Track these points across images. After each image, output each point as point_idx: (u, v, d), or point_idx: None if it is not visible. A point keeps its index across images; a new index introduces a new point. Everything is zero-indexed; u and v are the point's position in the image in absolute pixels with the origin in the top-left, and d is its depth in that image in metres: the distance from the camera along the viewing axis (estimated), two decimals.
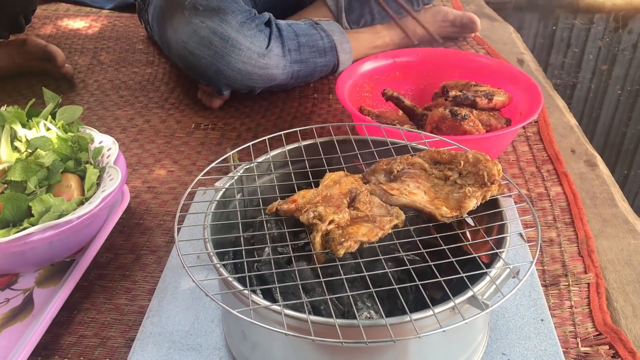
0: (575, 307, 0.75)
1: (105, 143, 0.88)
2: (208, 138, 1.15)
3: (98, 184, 0.82)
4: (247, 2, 1.27)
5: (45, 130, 0.87)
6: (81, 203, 0.78)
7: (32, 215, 0.74)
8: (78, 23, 1.64)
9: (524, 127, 1.14)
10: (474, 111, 0.99)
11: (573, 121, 1.20)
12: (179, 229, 0.61)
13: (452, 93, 0.99)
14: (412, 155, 0.72)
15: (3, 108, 0.89)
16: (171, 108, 1.26)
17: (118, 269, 0.83)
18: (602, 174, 1.03)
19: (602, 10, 3.28)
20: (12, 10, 1.22)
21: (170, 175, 1.04)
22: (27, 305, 0.75)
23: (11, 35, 1.34)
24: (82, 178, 0.83)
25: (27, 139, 0.85)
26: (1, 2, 1.17)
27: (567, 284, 0.79)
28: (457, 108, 0.95)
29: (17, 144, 0.86)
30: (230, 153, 0.78)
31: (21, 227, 0.72)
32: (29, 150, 0.83)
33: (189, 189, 0.67)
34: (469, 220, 0.69)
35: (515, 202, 0.90)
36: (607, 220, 0.92)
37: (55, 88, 1.32)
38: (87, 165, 0.83)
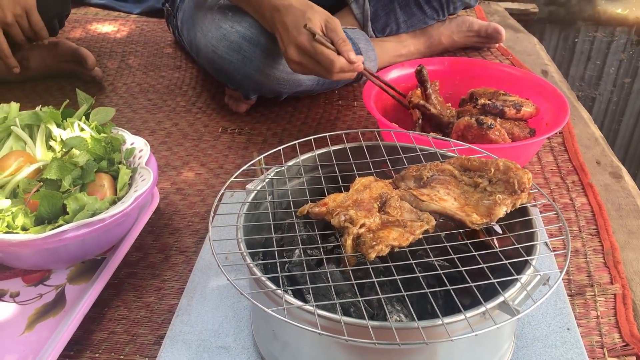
0: (602, 318, 0.75)
1: (137, 144, 0.90)
2: (235, 142, 1.17)
3: (130, 184, 0.84)
4: None
5: (80, 131, 0.89)
6: (114, 202, 0.80)
7: (67, 213, 0.75)
8: (107, 27, 1.67)
9: (548, 138, 1.14)
10: (498, 119, 1.00)
11: (598, 133, 1.20)
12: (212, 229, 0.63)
13: (482, 101, 1.00)
14: (441, 162, 0.73)
15: (38, 108, 0.91)
16: (198, 112, 1.28)
17: (148, 268, 0.85)
18: (627, 186, 1.03)
19: (625, 23, 3.27)
20: (48, 14, 1.26)
21: (198, 178, 1.05)
22: (59, 301, 0.77)
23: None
24: (114, 178, 0.85)
25: (62, 139, 0.87)
26: (39, 6, 1.21)
27: (592, 294, 0.79)
28: (483, 117, 0.96)
29: (52, 143, 0.88)
30: (260, 157, 0.79)
31: (56, 225, 0.74)
32: (64, 150, 0.85)
33: (223, 190, 0.69)
34: (497, 228, 0.70)
35: (540, 212, 0.90)
36: (633, 232, 0.92)
37: (84, 90, 1.34)
38: (119, 166, 0.85)
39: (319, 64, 0.96)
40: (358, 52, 1.23)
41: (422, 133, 0.85)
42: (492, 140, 0.94)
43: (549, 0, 3.59)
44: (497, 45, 1.54)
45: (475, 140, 0.95)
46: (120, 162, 0.87)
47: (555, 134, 1.17)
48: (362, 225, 0.62)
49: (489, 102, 1.00)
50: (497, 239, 0.70)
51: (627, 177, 1.06)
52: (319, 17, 0.97)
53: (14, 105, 0.91)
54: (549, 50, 2.91)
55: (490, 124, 0.94)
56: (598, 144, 1.16)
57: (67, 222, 0.74)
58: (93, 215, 0.76)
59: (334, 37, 0.96)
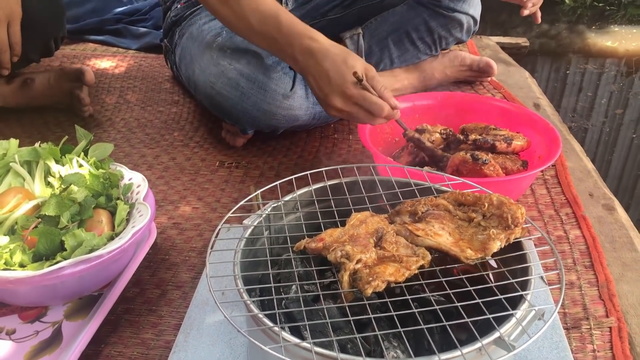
0: (598, 352, 0.76)
1: (134, 180, 0.91)
2: (232, 176, 1.18)
3: (128, 220, 0.85)
4: None
5: (78, 167, 0.90)
6: (111, 238, 0.81)
7: (65, 249, 0.76)
8: (105, 63, 1.69)
9: (542, 171, 1.16)
10: (489, 153, 1.01)
11: (590, 165, 1.22)
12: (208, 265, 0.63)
13: (472, 137, 1.02)
14: (436, 197, 0.74)
15: (37, 144, 0.92)
16: (196, 146, 1.29)
17: (144, 303, 0.85)
18: (620, 218, 1.04)
19: (615, 55, 3.33)
20: (44, 35, 1.29)
21: (195, 212, 1.06)
22: (56, 338, 0.77)
23: (42, 59, 1.40)
24: (112, 214, 0.85)
25: (60, 175, 0.88)
26: (34, 26, 1.23)
27: (588, 327, 0.80)
28: (478, 152, 0.98)
29: (50, 179, 0.89)
30: (257, 192, 0.80)
31: (54, 261, 0.75)
32: (63, 186, 0.86)
33: (219, 227, 0.69)
34: (492, 262, 0.70)
35: (535, 245, 0.91)
36: (627, 265, 0.93)
37: (82, 125, 1.36)
38: (117, 202, 0.86)
39: (365, 111, 0.96)
40: None
41: (417, 167, 0.87)
42: (487, 175, 0.96)
43: (540, 33, 3.67)
44: (490, 78, 1.57)
45: (470, 174, 0.96)
46: (118, 198, 0.87)
47: (549, 166, 1.18)
48: (358, 261, 0.63)
49: (480, 137, 1.01)
50: (492, 273, 0.70)
51: (620, 210, 1.07)
52: (360, 64, 0.96)
53: (13, 142, 0.92)
54: (541, 82, 2.97)
55: (485, 160, 0.96)
56: (590, 176, 1.17)
57: (65, 259, 0.74)
58: (91, 251, 0.76)
59: (376, 85, 0.95)
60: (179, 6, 1.40)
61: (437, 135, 1.10)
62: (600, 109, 2.75)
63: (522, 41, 2.15)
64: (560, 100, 2.83)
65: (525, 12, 1.21)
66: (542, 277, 0.84)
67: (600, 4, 3.94)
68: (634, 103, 2.78)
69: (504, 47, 1.95)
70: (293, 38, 0.97)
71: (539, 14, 1.25)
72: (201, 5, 1.24)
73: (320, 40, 0.97)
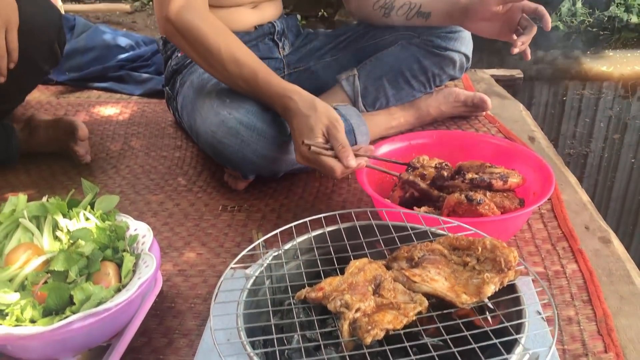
0: None
1: (140, 230, 0.94)
2: (234, 220, 1.20)
3: (134, 271, 0.87)
4: None
5: (85, 220, 0.93)
6: (118, 290, 0.83)
7: (74, 303, 0.78)
8: (109, 110, 1.74)
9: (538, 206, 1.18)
10: (487, 192, 1.04)
11: (585, 197, 1.24)
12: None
13: (469, 176, 1.04)
14: (431, 242, 0.76)
15: (45, 199, 0.95)
16: (199, 191, 1.32)
17: (152, 352, 0.87)
18: (616, 251, 1.06)
19: (611, 78, 3.37)
20: (48, 38, 1.31)
21: (199, 258, 1.08)
22: None
23: (50, 68, 1.42)
24: (119, 265, 0.88)
25: (68, 229, 0.91)
26: (34, 32, 1.25)
27: None
28: (472, 193, 1.00)
29: (58, 233, 0.91)
30: (259, 241, 0.82)
31: (63, 316, 0.77)
32: (71, 241, 0.88)
33: (222, 279, 0.72)
34: (489, 304, 0.72)
35: (533, 281, 0.93)
36: (624, 298, 0.94)
37: (89, 174, 1.40)
38: (124, 253, 0.88)
39: (322, 168, 1.04)
40: (350, 128, 1.29)
41: (412, 210, 0.89)
42: (482, 215, 0.98)
43: (536, 59, 3.72)
44: (484, 113, 1.60)
45: (466, 214, 0.99)
46: (124, 250, 0.90)
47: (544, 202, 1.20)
48: (357, 310, 0.65)
49: (477, 176, 1.04)
50: (489, 316, 0.72)
51: (616, 242, 1.09)
52: (321, 124, 1.05)
53: (22, 197, 0.95)
54: (540, 107, 3.01)
55: (480, 200, 0.98)
56: (586, 208, 1.20)
57: (74, 313, 0.76)
58: (99, 304, 0.78)
59: (334, 144, 1.03)
60: (179, 55, 1.44)
61: (431, 169, 1.12)
62: (599, 134, 2.78)
63: (517, 73, 2.20)
64: (559, 127, 2.86)
65: (515, 51, 1.25)
66: (542, 318, 0.86)
67: (594, 29, 4.00)
68: (631, 127, 2.81)
69: (498, 79, 1.99)
70: (271, 97, 1.13)
71: (528, 51, 1.29)
72: None
73: (294, 98, 1.10)
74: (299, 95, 1.10)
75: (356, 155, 1.05)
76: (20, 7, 1.20)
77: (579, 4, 4.07)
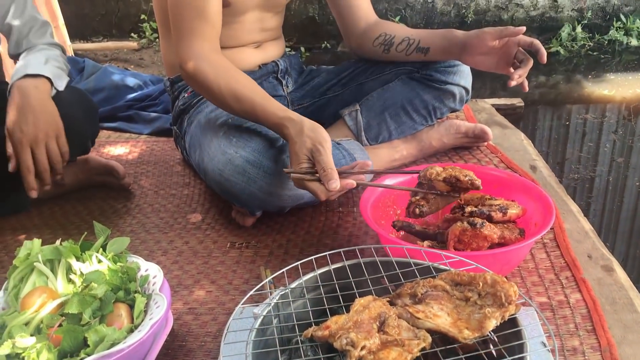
0: None
1: (151, 271, 0.96)
2: (242, 256, 1.23)
3: (145, 311, 0.90)
4: None
5: (97, 262, 0.96)
6: (131, 330, 0.85)
7: (88, 346, 0.81)
8: (119, 149, 1.78)
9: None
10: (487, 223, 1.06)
11: (588, 226, 1.26)
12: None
13: (469, 209, 1.07)
14: (434, 278, 0.79)
15: (58, 242, 0.98)
16: (208, 228, 1.35)
17: None
18: (619, 279, 1.07)
19: (613, 101, 3.40)
20: (84, 136, 1.37)
21: (208, 296, 1.11)
22: None
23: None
24: (131, 306, 0.90)
25: (81, 272, 0.93)
26: (76, 131, 1.30)
27: None
28: (472, 218, 1.03)
29: (72, 276, 0.94)
30: (266, 281, 0.85)
31: (78, 358, 0.79)
32: (84, 284, 0.91)
33: (231, 319, 0.74)
34: (493, 338, 0.74)
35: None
36: (628, 327, 0.95)
37: (99, 214, 1.43)
38: (135, 295, 0.91)
39: (310, 192, 1.08)
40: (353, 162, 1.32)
41: (415, 246, 0.91)
42: (487, 236, 1.01)
43: (538, 84, 3.76)
44: (486, 143, 1.63)
45: (472, 240, 1.01)
46: (136, 291, 0.92)
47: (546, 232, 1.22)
48: (362, 348, 0.67)
49: (476, 208, 1.06)
50: (492, 349, 0.74)
51: (619, 270, 1.10)
52: (304, 149, 1.08)
53: (36, 242, 0.98)
54: (544, 131, 3.03)
55: (482, 223, 1.01)
56: (588, 237, 1.21)
57: (89, 355, 0.79)
58: (112, 345, 0.81)
59: (317, 167, 1.07)
60: (186, 95, 1.49)
61: (442, 184, 1.11)
62: (604, 158, 2.79)
63: (517, 102, 2.23)
64: (564, 152, 2.88)
65: (513, 83, 1.28)
66: (548, 349, 0.87)
67: (595, 53, 4.05)
68: (635, 150, 2.82)
69: (499, 108, 2.02)
70: (271, 127, 1.18)
71: (525, 83, 1.32)
72: None
73: (288, 125, 1.12)
74: (291, 122, 1.12)
75: (350, 174, 1.07)
76: (65, 108, 1.25)
77: (579, 29, 4.12)
